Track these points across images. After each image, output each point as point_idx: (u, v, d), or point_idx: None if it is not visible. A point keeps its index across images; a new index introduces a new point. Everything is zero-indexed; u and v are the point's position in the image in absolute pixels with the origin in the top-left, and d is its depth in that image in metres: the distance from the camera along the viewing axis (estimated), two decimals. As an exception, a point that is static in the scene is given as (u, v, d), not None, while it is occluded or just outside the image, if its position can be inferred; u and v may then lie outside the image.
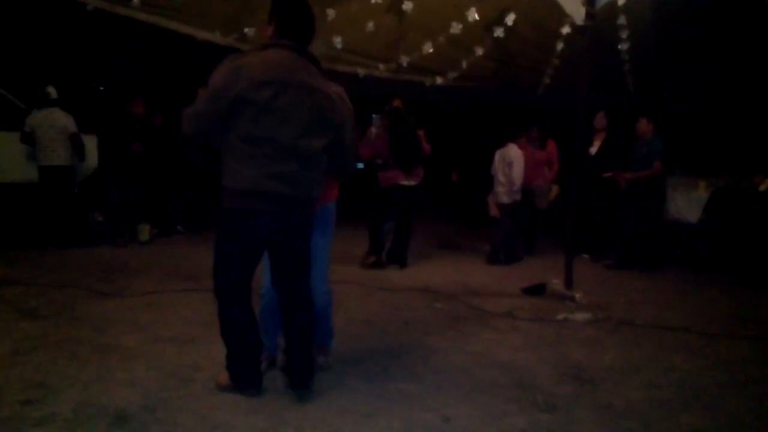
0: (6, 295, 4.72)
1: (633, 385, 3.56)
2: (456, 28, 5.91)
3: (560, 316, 4.83)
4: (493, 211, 7.28)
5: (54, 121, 6.64)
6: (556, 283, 5.56)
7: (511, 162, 6.82)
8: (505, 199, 7.05)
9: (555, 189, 7.66)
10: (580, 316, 4.83)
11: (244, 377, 3.05)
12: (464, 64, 6.89)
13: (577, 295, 5.27)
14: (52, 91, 6.79)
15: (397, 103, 6.42)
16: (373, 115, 19.12)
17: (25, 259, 5.97)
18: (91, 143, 7.13)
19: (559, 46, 6.85)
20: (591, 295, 5.41)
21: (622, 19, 6.30)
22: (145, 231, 7.27)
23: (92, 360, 3.49)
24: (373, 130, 6.63)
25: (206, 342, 3.82)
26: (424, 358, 3.83)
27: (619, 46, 6.81)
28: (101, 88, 12.95)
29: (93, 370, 3.34)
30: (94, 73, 10.70)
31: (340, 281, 5.73)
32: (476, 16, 5.73)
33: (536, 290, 5.54)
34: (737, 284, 6.30)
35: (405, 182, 6.45)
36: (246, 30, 5.52)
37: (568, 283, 5.48)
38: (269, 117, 2.69)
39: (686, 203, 7.16)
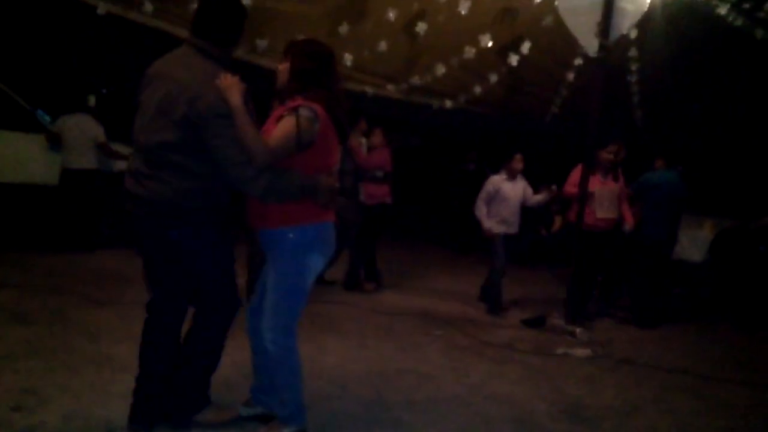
0: (0, 298, 4.64)
1: (632, 426, 3.50)
2: (469, 52, 5.90)
3: (560, 351, 4.77)
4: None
5: (86, 128, 6.75)
6: (557, 316, 5.51)
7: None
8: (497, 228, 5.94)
9: (558, 220, 7.62)
10: (580, 351, 4.77)
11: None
12: (477, 89, 6.88)
13: (578, 331, 5.21)
14: (91, 99, 6.99)
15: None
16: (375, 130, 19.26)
17: (20, 262, 5.89)
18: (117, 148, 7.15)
19: (570, 76, 6.86)
20: (591, 330, 5.35)
21: (633, 52, 6.32)
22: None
23: (84, 369, 3.43)
24: (363, 141, 6.28)
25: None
26: (419, 386, 3.77)
27: (629, 78, 6.83)
28: (103, 91, 12.99)
29: (85, 380, 3.28)
30: (100, 75, 10.72)
31: (335, 302, 5.69)
32: (490, 42, 5.72)
33: (536, 323, 5.48)
34: (739, 327, 6.24)
35: (388, 200, 6.39)
36: (258, 41, 5.51)
37: (569, 317, 5.42)
38: (137, 112, 2.62)
39: (691, 243, 7.10)
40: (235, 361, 3.48)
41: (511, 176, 5.87)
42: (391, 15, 5.29)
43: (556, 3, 5.14)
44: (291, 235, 2.59)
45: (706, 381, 4.40)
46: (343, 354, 4.23)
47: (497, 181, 5.86)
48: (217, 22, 2.60)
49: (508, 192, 5.82)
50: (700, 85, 6.79)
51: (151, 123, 2.52)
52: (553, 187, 5.81)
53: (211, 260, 2.66)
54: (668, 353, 5.06)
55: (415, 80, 6.55)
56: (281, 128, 2.49)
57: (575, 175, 5.67)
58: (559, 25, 5.28)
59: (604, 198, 5.70)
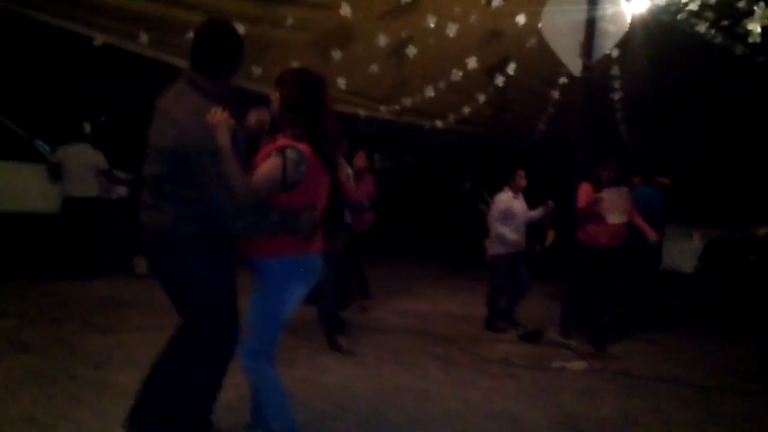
0: (1, 327, 4.67)
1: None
2: (456, 75, 6.03)
3: (557, 365, 4.82)
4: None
5: (86, 157, 6.86)
6: (553, 330, 5.56)
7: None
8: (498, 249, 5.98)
9: (550, 234, 7.71)
10: (577, 365, 4.83)
11: None
12: (465, 110, 7.00)
13: (574, 344, 5.27)
14: (86, 127, 7.05)
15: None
16: (375, 155, 19.35)
17: (22, 291, 5.92)
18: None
19: (555, 94, 6.99)
20: (587, 343, 5.40)
21: (615, 70, 6.47)
22: (141, 263, 7.25)
23: (87, 397, 3.46)
24: (350, 171, 6.22)
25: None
26: (419, 403, 3.82)
27: (612, 95, 6.98)
28: (102, 119, 13.09)
29: (88, 407, 3.32)
30: (97, 102, 10.81)
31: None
32: (476, 64, 5.84)
33: (533, 337, 5.54)
34: (733, 336, 6.31)
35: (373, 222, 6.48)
36: (253, 68, 5.60)
37: (565, 330, 5.47)
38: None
39: (681, 254, 7.21)
40: (236, 383, 3.51)
41: (516, 193, 5.92)
42: (381, 40, 5.39)
43: (540, 25, 5.27)
44: (274, 266, 2.69)
45: (703, 391, 4.47)
46: (342, 373, 4.28)
47: (506, 199, 5.88)
48: (208, 54, 2.61)
49: (516, 209, 5.87)
50: (683, 100, 6.94)
51: (148, 155, 2.62)
52: (550, 202, 5.85)
53: (209, 286, 2.71)
54: (664, 364, 5.13)
55: (406, 102, 6.66)
56: (266, 168, 2.54)
57: (583, 191, 5.53)
58: (544, 45, 5.41)
59: (614, 202, 5.50)
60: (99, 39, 4.83)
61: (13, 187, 6.78)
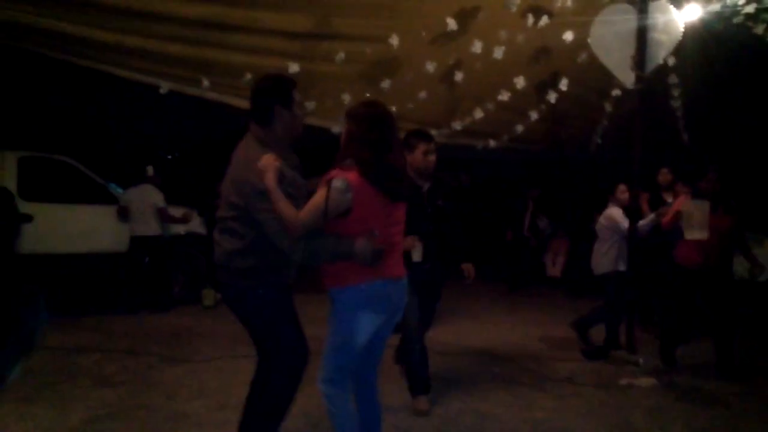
0: (82, 362, 4.97)
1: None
2: (505, 95, 6.07)
3: (623, 382, 4.73)
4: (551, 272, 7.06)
5: (147, 197, 7.27)
6: (619, 346, 5.45)
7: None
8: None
9: None
10: (645, 381, 4.72)
11: None
12: (519, 128, 7.02)
13: (641, 360, 5.15)
14: (149, 169, 7.49)
15: None
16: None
17: (99, 326, 6.26)
18: (176, 212, 7.60)
19: (608, 107, 6.92)
20: (655, 359, 5.25)
21: (672, 78, 6.36)
22: (209, 295, 7.54)
23: (162, 427, 3.65)
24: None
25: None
26: (482, 425, 3.84)
27: (671, 103, 6.85)
28: (168, 156, 13.73)
29: (164, 438, 3.49)
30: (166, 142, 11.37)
31: (390, 345, 5.78)
32: (524, 83, 5.87)
33: (597, 353, 5.44)
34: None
35: None
36: (306, 104, 5.80)
37: (630, 346, 5.36)
38: None
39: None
40: (305, 411, 3.64)
41: (620, 208, 5.60)
42: (429, 66, 5.50)
43: (588, 40, 5.26)
44: (339, 295, 2.78)
45: None
46: (404, 397, 4.30)
47: (620, 214, 5.52)
48: (255, 103, 2.88)
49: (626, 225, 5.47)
50: (742, 103, 6.75)
51: (221, 201, 2.90)
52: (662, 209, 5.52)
53: (266, 317, 2.88)
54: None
55: (457, 125, 6.73)
56: (312, 201, 2.68)
57: (677, 203, 5.28)
58: (594, 59, 5.39)
59: (693, 216, 5.01)
60: (165, 87, 5.15)
61: (90, 228, 7.22)
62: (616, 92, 6.44)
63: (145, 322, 6.53)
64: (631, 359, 5.24)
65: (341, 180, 2.64)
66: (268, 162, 2.66)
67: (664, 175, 7.03)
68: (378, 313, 2.78)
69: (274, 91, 2.90)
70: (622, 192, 5.62)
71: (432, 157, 4.09)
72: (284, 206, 2.62)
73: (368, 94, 5.65)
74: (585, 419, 3.98)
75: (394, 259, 2.82)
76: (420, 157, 4.06)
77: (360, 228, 2.70)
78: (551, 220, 10.55)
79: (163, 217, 7.32)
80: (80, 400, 4.09)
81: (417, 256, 4.01)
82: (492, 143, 7.43)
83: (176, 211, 7.55)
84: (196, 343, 5.67)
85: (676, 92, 6.66)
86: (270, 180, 2.63)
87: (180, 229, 7.74)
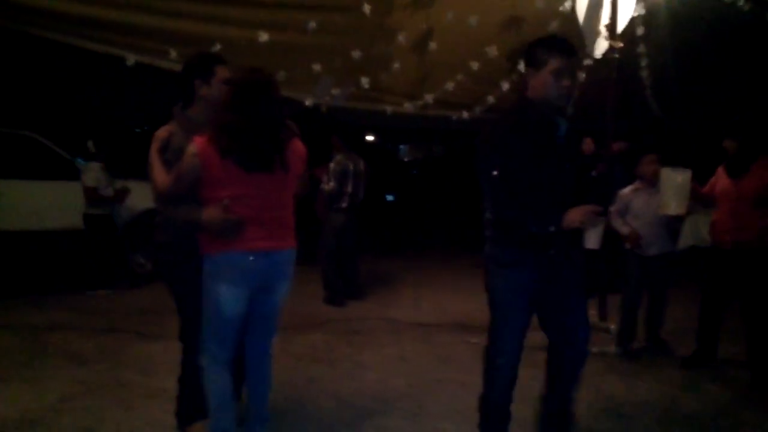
0: (54, 341, 4.88)
1: (674, 418, 3.55)
2: (477, 65, 6.03)
3: (595, 349, 4.79)
4: None
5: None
6: (591, 314, 5.52)
7: None
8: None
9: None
10: (616, 349, 4.81)
11: None
12: (490, 99, 6.99)
13: (612, 327, 5.25)
14: (90, 145, 7.11)
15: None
16: (401, 146, 19.40)
17: (68, 304, 6.16)
18: (138, 188, 7.32)
19: (580, 76, 6.93)
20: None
21: (641, 48, 6.39)
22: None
23: (139, 405, 3.61)
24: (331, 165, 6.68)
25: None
26: (460, 395, 3.87)
27: (640, 73, 6.89)
28: (137, 130, 13.44)
29: (140, 415, 3.46)
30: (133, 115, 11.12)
31: (371, 318, 5.84)
32: (496, 52, 5.84)
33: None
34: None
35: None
36: (279, 73, 5.69)
37: (603, 314, 5.46)
38: None
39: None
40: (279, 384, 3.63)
41: (645, 184, 4.83)
42: (401, 37, 5.44)
43: (560, 8, 5.25)
44: (203, 264, 2.72)
45: (746, 371, 4.31)
46: (383, 369, 4.36)
47: (627, 193, 4.87)
48: (179, 82, 2.92)
49: (638, 204, 4.81)
50: (712, 72, 6.81)
51: None
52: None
53: (179, 289, 2.95)
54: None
55: (429, 97, 6.68)
56: (176, 165, 2.65)
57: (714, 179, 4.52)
58: (565, 29, 5.38)
59: (668, 186, 4.33)
60: (131, 59, 4.99)
61: (57, 205, 7.04)
62: (587, 62, 6.44)
63: (116, 300, 6.43)
64: (602, 327, 5.34)
65: (193, 144, 2.59)
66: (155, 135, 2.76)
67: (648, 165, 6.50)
68: (238, 286, 2.69)
69: (194, 67, 2.87)
70: (650, 163, 4.77)
71: (567, 82, 2.70)
72: (156, 172, 2.66)
73: (339, 66, 5.59)
74: (559, 386, 4.04)
75: (264, 232, 2.69)
76: (548, 79, 2.70)
77: (213, 195, 2.62)
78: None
79: (87, 197, 6.88)
80: (55, 378, 4.03)
81: (593, 241, 3.27)
82: (465, 114, 7.41)
83: (107, 191, 7.06)
84: (170, 320, 5.56)
85: (644, 62, 6.70)
86: (153, 149, 2.69)
87: (145, 204, 7.48)
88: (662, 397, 3.90)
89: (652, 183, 4.66)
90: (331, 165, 6.58)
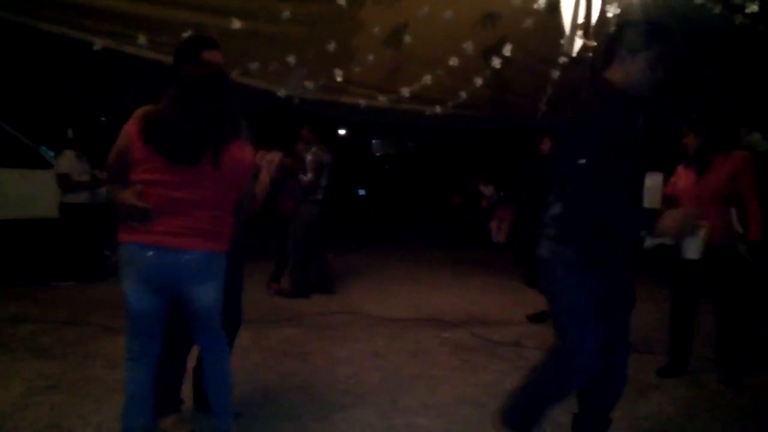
0: (18, 334, 4.74)
1: (640, 411, 3.59)
2: (453, 60, 6.02)
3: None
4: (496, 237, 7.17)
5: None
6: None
7: None
8: None
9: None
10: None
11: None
12: (463, 95, 6.99)
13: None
14: (69, 132, 7.06)
15: None
16: (375, 141, 19.38)
17: (32, 296, 6.00)
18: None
19: (555, 73, 6.97)
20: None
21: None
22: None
23: (105, 399, 3.51)
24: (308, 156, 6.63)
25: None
26: (432, 389, 3.87)
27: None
28: (103, 119, 13.15)
29: (106, 410, 3.36)
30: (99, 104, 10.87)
31: (344, 312, 5.81)
32: (472, 48, 5.83)
33: (541, 317, 5.57)
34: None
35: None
36: (250, 64, 5.61)
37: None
38: None
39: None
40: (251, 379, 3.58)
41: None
42: (376, 29, 5.40)
43: (534, 6, 5.25)
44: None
45: (706, 361, 4.39)
46: (355, 363, 4.33)
47: None
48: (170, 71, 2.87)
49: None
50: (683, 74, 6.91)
51: None
52: None
53: None
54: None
55: (404, 91, 6.65)
56: None
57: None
58: (541, 26, 5.40)
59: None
60: (98, 44, 4.86)
61: (20, 194, 6.84)
62: (562, 59, 6.48)
63: (82, 293, 6.29)
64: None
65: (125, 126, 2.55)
66: None
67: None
68: (136, 282, 2.57)
69: (181, 52, 2.81)
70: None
71: (661, 73, 2.53)
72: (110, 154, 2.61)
73: (313, 57, 5.53)
74: (531, 381, 4.06)
75: (173, 227, 2.52)
76: (643, 67, 2.51)
77: (133, 178, 2.53)
78: (497, 187, 10.74)
79: (60, 184, 6.80)
80: (19, 372, 3.91)
81: (693, 251, 2.55)
82: (438, 109, 7.40)
83: (82, 177, 7.00)
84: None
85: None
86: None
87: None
88: (632, 389, 3.92)
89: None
90: (309, 157, 6.50)
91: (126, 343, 2.67)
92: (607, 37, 2.64)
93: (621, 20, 2.49)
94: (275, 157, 2.95)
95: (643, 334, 5.04)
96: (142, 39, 4.91)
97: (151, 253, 2.51)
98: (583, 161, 2.35)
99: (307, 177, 6.42)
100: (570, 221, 2.55)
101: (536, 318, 5.60)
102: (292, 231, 6.54)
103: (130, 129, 2.51)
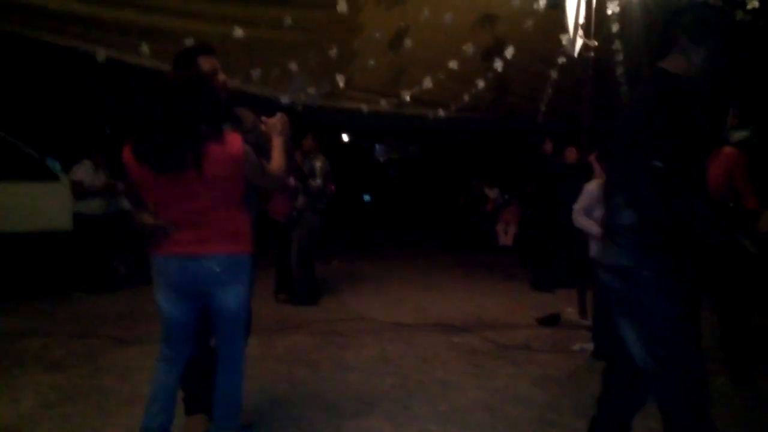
0: (28, 347, 4.74)
1: (656, 416, 3.57)
2: (454, 63, 6.03)
3: (576, 347, 4.84)
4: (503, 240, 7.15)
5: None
6: (570, 312, 5.58)
7: None
8: None
9: None
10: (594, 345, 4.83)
11: None
12: (466, 97, 7.01)
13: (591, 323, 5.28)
14: (88, 144, 7.23)
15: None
16: (376, 145, 19.36)
17: (42, 309, 6.00)
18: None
19: (554, 74, 6.98)
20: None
21: (617, 44, 6.45)
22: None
23: (118, 411, 3.52)
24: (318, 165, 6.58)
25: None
26: (444, 395, 3.86)
27: (616, 70, 6.96)
28: (107, 131, 13.17)
29: (119, 421, 3.37)
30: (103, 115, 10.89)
31: (352, 318, 5.81)
32: (472, 50, 5.84)
33: (551, 320, 5.56)
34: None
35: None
36: (252, 71, 5.62)
37: (582, 311, 5.49)
38: None
39: None
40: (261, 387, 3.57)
41: None
42: (377, 34, 5.41)
43: (534, 7, 5.26)
44: None
45: (720, 363, 4.26)
46: (366, 370, 4.32)
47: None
48: None
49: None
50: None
51: None
52: None
53: None
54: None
55: (406, 94, 6.67)
56: None
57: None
58: (540, 27, 5.42)
59: None
60: (101, 54, 4.87)
61: (26, 207, 6.85)
62: (561, 60, 6.49)
63: (92, 305, 6.29)
64: (582, 324, 5.37)
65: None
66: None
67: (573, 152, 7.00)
68: (165, 290, 2.71)
69: (178, 60, 2.83)
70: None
71: (723, 66, 2.39)
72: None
73: (315, 63, 5.54)
74: (543, 385, 4.04)
75: (185, 236, 2.59)
76: (706, 57, 2.30)
77: (145, 199, 2.63)
78: (502, 190, 10.74)
79: (74, 191, 6.90)
80: (30, 385, 3.91)
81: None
82: (441, 113, 7.41)
83: (94, 183, 7.10)
84: (147, 325, 5.47)
85: (619, 58, 6.78)
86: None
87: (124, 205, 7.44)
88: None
89: None
90: (318, 163, 6.45)
91: (160, 345, 2.80)
92: (664, 19, 2.42)
93: (680, 4, 2.21)
94: (277, 119, 2.97)
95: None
96: (145, 49, 4.93)
97: (175, 262, 2.64)
98: (659, 164, 2.11)
99: (317, 182, 6.39)
100: (651, 230, 2.25)
101: (545, 321, 5.58)
102: (297, 239, 6.51)
103: (125, 153, 2.56)
